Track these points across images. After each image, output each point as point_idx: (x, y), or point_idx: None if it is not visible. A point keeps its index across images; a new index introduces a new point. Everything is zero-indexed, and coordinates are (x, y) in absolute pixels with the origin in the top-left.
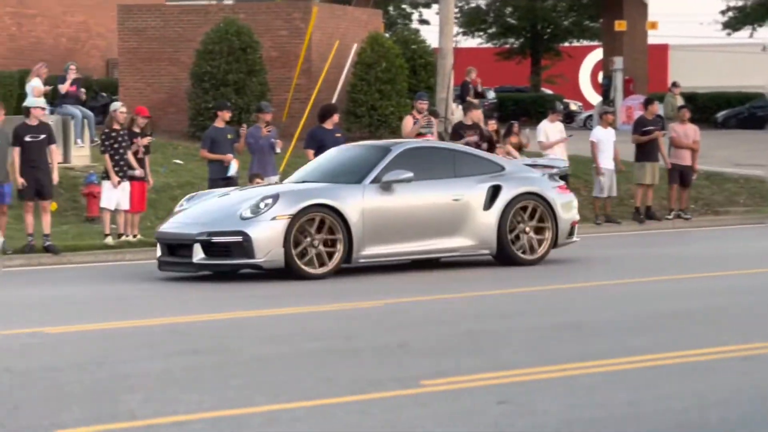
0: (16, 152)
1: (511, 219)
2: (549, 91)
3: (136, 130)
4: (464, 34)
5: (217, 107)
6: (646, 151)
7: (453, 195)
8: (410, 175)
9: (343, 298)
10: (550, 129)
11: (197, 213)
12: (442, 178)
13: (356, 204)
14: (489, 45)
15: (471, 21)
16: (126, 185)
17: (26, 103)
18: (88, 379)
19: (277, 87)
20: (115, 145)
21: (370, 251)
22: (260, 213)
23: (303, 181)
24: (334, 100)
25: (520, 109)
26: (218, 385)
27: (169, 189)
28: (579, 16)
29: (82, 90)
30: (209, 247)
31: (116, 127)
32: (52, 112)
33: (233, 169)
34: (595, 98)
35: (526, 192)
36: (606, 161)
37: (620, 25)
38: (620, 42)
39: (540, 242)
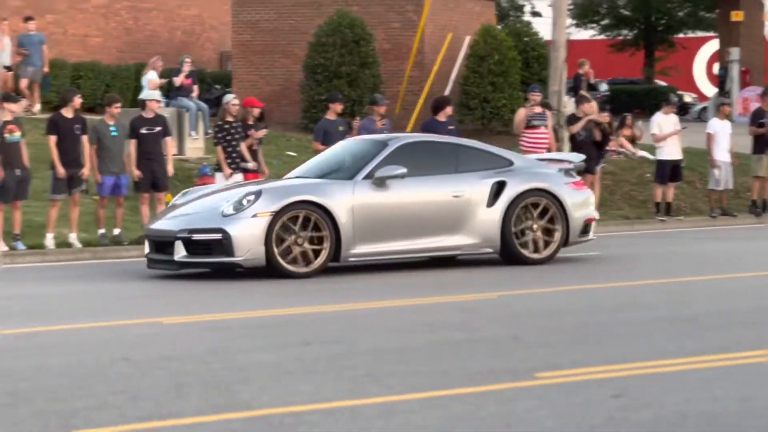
0: (132, 144)
1: (517, 216)
2: (663, 83)
3: (250, 122)
4: (577, 26)
5: (329, 99)
6: (763, 143)
7: (453, 191)
8: (403, 171)
9: (454, 291)
10: (664, 121)
11: (186, 209)
12: (442, 173)
13: (345, 201)
14: (602, 37)
15: (584, 13)
16: (238, 177)
17: (142, 96)
18: (204, 370)
19: (389, 79)
20: (228, 137)
21: (360, 250)
22: (242, 210)
23: (297, 177)
24: (446, 93)
25: (633, 102)
26: (333, 376)
27: None
28: (694, 6)
29: (195, 86)
30: (190, 245)
31: (229, 119)
32: (167, 105)
33: None
34: (709, 90)
35: (534, 188)
36: (722, 153)
37: (737, 16)
38: (737, 32)
39: (548, 241)
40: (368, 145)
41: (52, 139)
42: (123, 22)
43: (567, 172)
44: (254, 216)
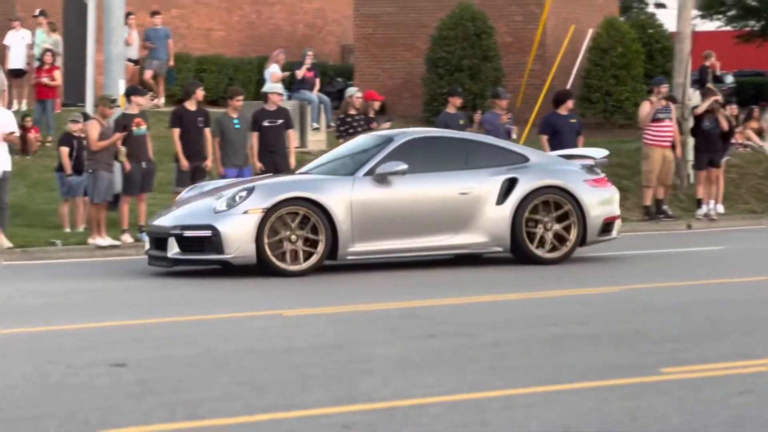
0: (254, 137)
1: (529, 214)
2: None
3: (371, 115)
4: (702, 17)
5: (448, 93)
6: None
7: (461, 188)
8: (404, 167)
9: (574, 284)
10: None
11: (187, 205)
12: (450, 170)
13: (343, 197)
14: (728, 28)
15: (709, 4)
16: None
17: (264, 89)
18: (327, 362)
19: (511, 73)
20: (350, 130)
21: (360, 248)
22: (234, 206)
23: (301, 173)
24: (568, 86)
25: (760, 94)
26: (455, 369)
27: None
28: None
29: (317, 79)
30: (183, 242)
31: (352, 112)
32: (289, 98)
33: None
34: None
35: (547, 185)
36: None
37: None
38: None
39: (563, 239)
40: (375, 141)
41: (176, 131)
42: (246, 16)
43: (589, 168)
44: (245, 213)
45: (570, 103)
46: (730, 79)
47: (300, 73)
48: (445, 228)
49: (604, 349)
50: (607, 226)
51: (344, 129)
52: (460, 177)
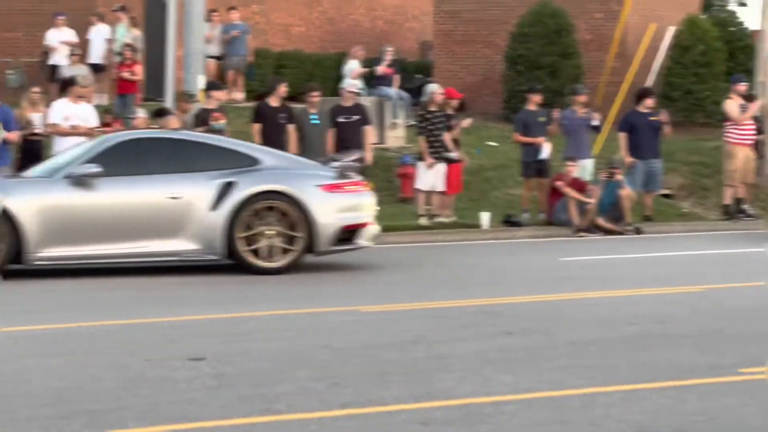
0: (330, 133)
1: (246, 221)
2: None
3: (450, 112)
4: None
5: (528, 90)
6: None
7: (170, 192)
8: (97, 169)
9: (653, 283)
10: None
11: None
12: (163, 173)
13: (32, 199)
14: None
15: None
16: (441, 167)
17: (342, 85)
18: (405, 358)
19: (591, 70)
20: (430, 127)
21: (50, 252)
22: None
23: (15, 176)
24: (649, 84)
25: None
26: (532, 367)
27: (482, 171)
28: None
29: (396, 75)
30: None
31: (432, 108)
32: (369, 94)
33: (545, 152)
34: None
35: (269, 190)
36: None
37: None
38: None
39: (288, 248)
40: (90, 144)
41: (256, 127)
42: (325, 12)
43: (340, 173)
44: None
45: (650, 101)
46: None
47: (379, 70)
48: (150, 234)
49: (682, 349)
50: (349, 234)
51: (424, 126)
52: (171, 180)
